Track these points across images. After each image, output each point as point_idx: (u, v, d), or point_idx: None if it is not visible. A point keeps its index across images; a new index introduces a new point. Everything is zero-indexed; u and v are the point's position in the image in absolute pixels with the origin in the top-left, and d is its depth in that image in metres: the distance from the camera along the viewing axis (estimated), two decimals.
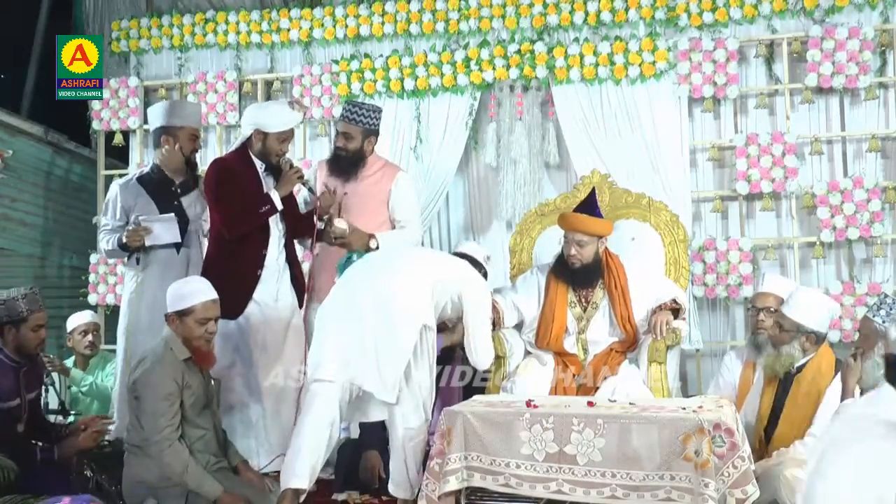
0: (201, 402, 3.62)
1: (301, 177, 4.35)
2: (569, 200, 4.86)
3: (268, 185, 4.36)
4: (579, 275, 4.28)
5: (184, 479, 3.41)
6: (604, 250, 4.31)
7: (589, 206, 4.33)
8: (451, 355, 4.48)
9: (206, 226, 4.58)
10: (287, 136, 4.36)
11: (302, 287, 4.52)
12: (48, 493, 3.36)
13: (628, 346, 4.27)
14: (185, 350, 3.56)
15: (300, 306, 4.49)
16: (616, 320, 4.27)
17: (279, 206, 4.27)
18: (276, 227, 4.37)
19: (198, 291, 3.62)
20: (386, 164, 4.75)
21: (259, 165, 4.35)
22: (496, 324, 4.31)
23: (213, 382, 3.83)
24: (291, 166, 4.35)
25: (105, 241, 4.49)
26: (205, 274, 4.09)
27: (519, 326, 4.49)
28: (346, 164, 4.59)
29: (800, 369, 3.70)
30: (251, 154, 4.36)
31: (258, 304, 4.33)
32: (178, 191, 4.47)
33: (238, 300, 4.24)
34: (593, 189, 4.53)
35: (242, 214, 4.25)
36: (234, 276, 4.21)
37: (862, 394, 3.11)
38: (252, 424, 4.31)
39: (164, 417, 3.43)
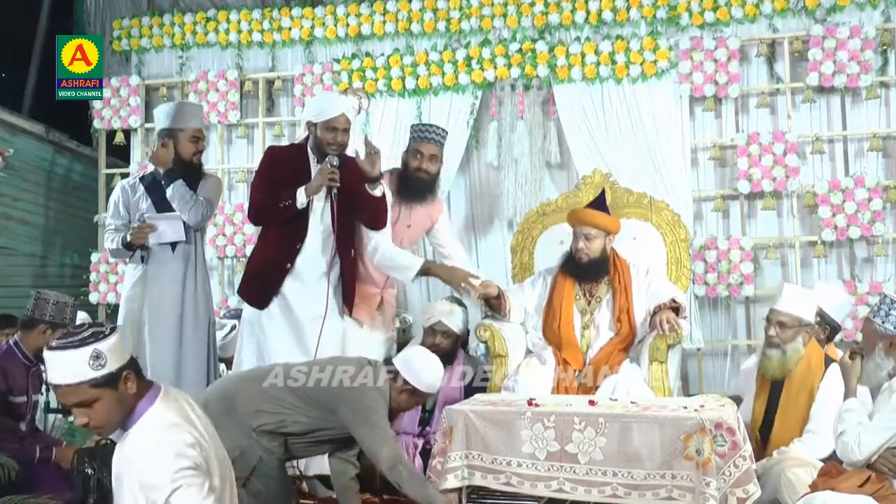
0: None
1: (333, 179, 4.02)
2: (570, 200, 4.86)
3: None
4: (586, 270, 4.30)
5: (426, 488, 3.26)
6: (611, 250, 4.35)
7: (598, 203, 4.41)
8: (451, 356, 4.48)
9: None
10: (335, 124, 4.09)
11: (347, 300, 4.28)
12: (49, 492, 3.37)
13: (626, 342, 4.27)
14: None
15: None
16: (615, 310, 4.29)
17: (301, 203, 4.04)
18: (319, 223, 4.15)
19: (436, 374, 3.45)
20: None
21: (313, 159, 4.20)
22: (500, 310, 4.36)
23: None
24: (332, 166, 4.05)
25: (110, 241, 4.46)
26: (249, 258, 4.37)
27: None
28: (423, 187, 4.41)
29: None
30: (308, 148, 4.23)
31: (285, 298, 4.15)
32: (163, 182, 4.33)
33: (265, 291, 4.16)
34: (603, 190, 4.59)
35: (265, 205, 4.15)
36: (266, 264, 4.18)
37: (871, 394, 3.10)
38: None
39: (396, 442, 3.40)
